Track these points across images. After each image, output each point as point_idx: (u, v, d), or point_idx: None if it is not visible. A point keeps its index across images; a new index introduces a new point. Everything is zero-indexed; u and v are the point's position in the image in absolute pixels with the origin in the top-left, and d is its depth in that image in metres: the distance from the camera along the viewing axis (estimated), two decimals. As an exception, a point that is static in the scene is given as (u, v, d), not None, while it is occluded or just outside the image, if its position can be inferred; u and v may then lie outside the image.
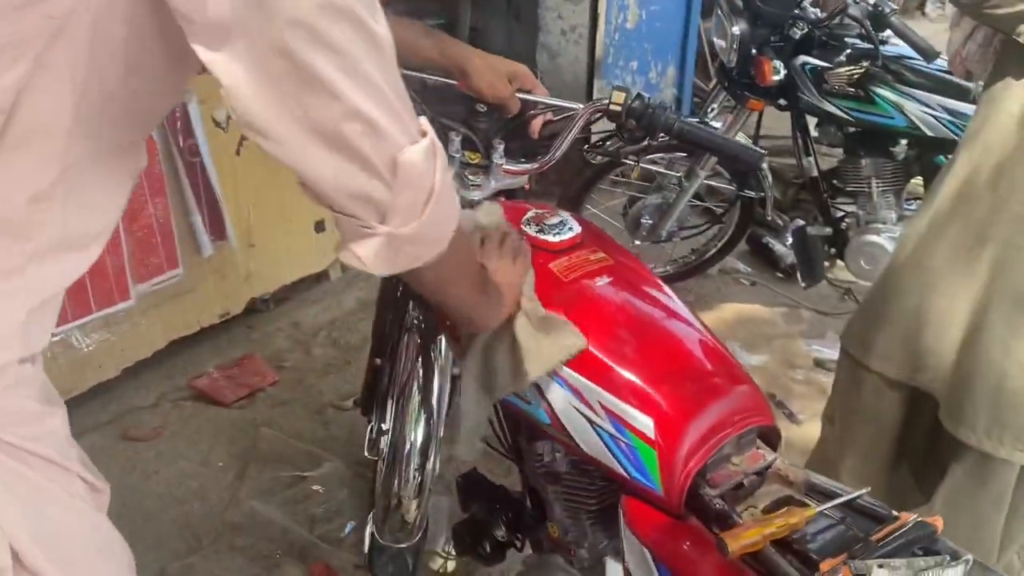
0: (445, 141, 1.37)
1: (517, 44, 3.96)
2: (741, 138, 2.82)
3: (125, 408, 2.45)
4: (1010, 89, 1.39)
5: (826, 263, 2.88)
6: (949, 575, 0.95)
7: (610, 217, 3.10)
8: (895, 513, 1.02)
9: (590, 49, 3.82)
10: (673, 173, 2.87)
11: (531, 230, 1.28)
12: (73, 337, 2.30)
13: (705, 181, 2.91)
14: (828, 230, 2.79)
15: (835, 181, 2.79)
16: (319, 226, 3.06)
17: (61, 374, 2.30)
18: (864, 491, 1.08)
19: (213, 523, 2.08)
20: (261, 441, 2.36)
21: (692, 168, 2.79)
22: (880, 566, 0.95)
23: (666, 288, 1.30)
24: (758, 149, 1.33)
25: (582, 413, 1.15)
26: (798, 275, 2.89)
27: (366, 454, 1.75)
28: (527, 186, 1.54)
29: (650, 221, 2.93)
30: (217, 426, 2.42)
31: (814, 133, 2.78)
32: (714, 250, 3.15)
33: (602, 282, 1.22)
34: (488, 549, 1.57)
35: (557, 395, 1.17)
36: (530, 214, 1.31)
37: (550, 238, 1.26)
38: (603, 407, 1.12)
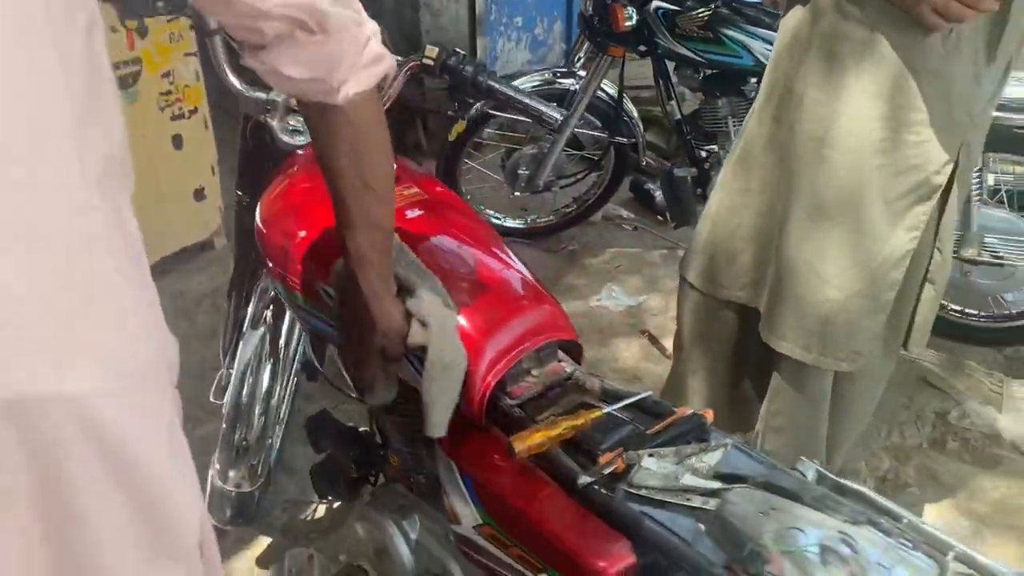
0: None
1: (402, 3, 3.96)
2: (608, 86, 2.90)
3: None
4: (794, 13, 1.49)
5: (696, 205, 2.99)
6: (711, 457, 1.04)
7: (490, 170, 3.15)
8: (674, 409, 1.11)
9: (471, 6, 3.85)
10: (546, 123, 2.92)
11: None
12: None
13: (579, 130, 2.99)
14: (694, 171, 2.90)
15: (699, 123, 2.89)
16: (199, 194, 3.05)
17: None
18: (647, 392, 1.17)
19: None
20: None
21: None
22: (650, 455, 1.04)
23: (481, 221, 1.36)
24: (559, 111, 1.38)
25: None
26: (668, 216, 2.99)
27: (211, 398, 1.78)
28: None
29: (527, 172, 3.00)
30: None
31: (674, 78, 2.87)
32: (594, 198, 3.24)
33: (412, 214, 1.28)
34: (343, 487, 1.63)
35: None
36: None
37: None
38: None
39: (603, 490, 1.01)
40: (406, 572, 1.36)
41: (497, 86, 1.36)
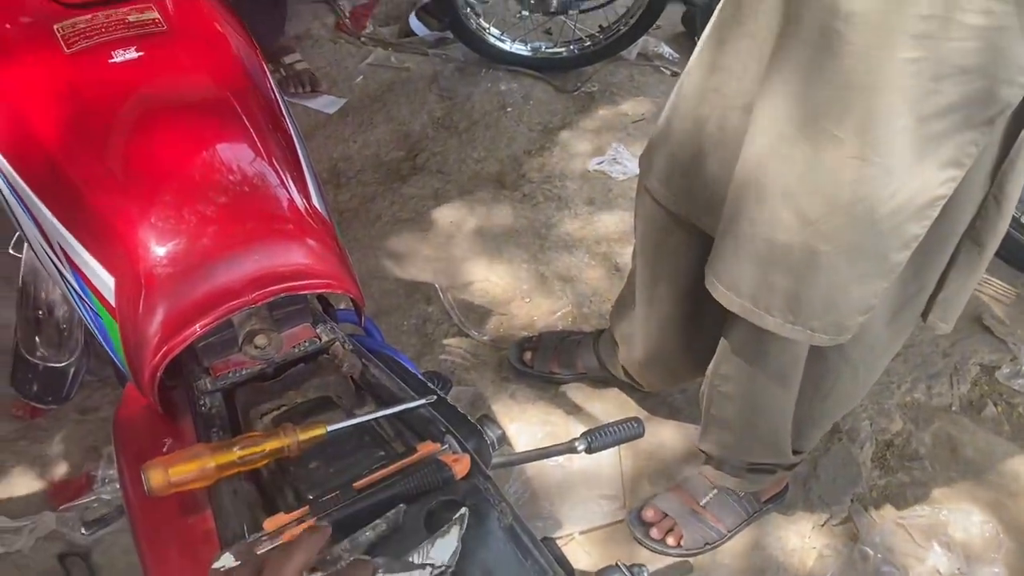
0: None
1: None
2: None
3: None
4: None
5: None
6: (439, 551, 0.62)
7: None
8: (418, 446, 0.68)
9: None
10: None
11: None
12: None
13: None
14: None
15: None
16: None
17: None
18: (424, 400, 0.73)
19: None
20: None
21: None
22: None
23: (267, 87, 0.89)
24: None
25: (51, 260, 0.79)
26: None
27: (10, 250, 1.43)
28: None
29: (536, -13, 2.39)
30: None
31: None
32: (625, 28, 2.61)
33: (122, 58, 0.81)
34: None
35: (27, 227, 0.80)
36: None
37: (62, -14, 0.84)
38: (66, 256, 0.76)
39: None
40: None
41: None
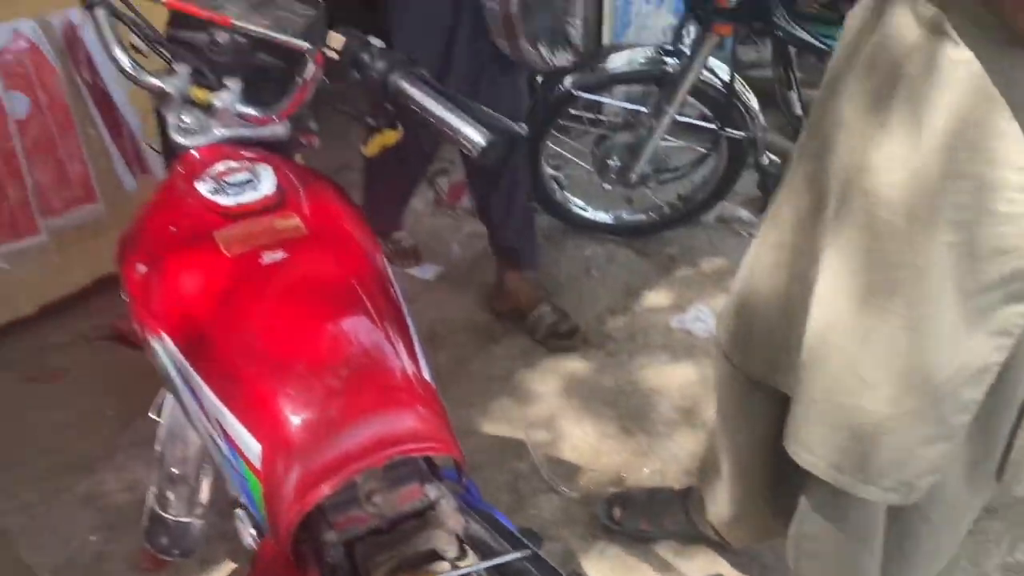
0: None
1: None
2: (722, 72, 2.44)
3: (37, 347, 2.40)
4: (863, 5, 1.05)
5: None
6: None
7: (578, 157, 2.78)
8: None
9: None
10: (644, 109, 2.52)
11: (204, 188, 1.04)
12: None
13: (683, 118, 2.55)
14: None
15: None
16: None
17: (-33, 310, 2.27)
18: (519, 554, 0.83)
19: (77, 475, 2.00)
20: (158, 390, 2.25)
21: (658, 104, 2.43)
22: None
23: (379, 273, 1.05)
24: (483, 134, 1.00)
25: (207, 429, 0.94)
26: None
27: (150, 414, 1.60)
28: (310, 139, 1.30)
29: (618, 163, 2.60)
30: (123, 372, 2.33)
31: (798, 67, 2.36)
32: (703, 196, 2.79)
33: (271, 259, 0.99)
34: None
35: (186, 402, 0.96)
36: (218, 167, 1.07)
37: (221, 200, 1.03)
38: (220, 427, 0.91)
39: None
40: None
41: (409, 88, 1.02)
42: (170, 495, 1.55)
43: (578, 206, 2.83)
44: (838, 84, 1.07)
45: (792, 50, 2.32)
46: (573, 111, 2.59)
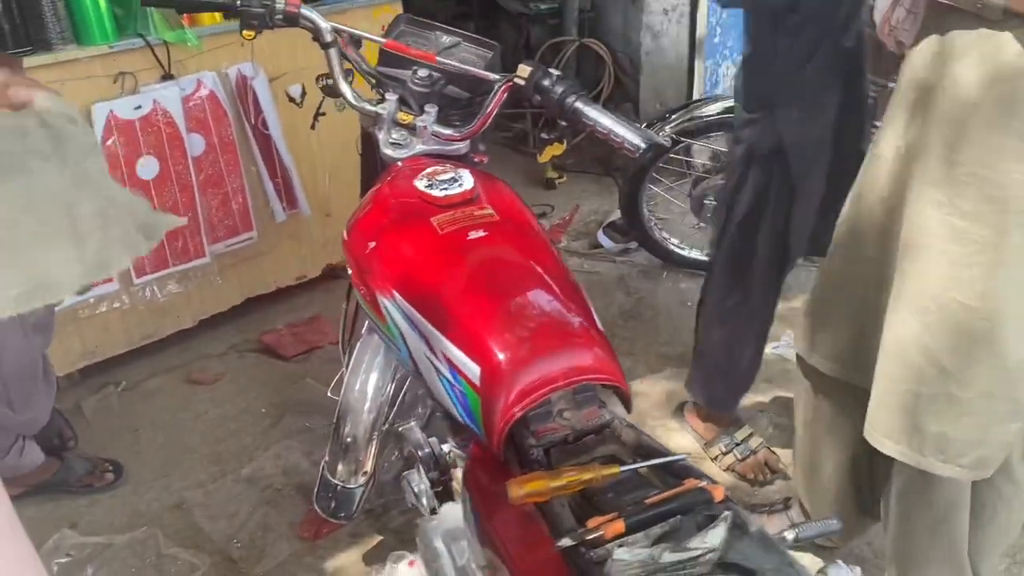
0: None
1: (633, 26, 3.94)
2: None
3: (196, 355, 2.73)
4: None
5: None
6: (712, 537, 0.92)
7: (676, 199, 3.03)
8: (695, 479, 1.00)
9: (691, 28, 3.74)
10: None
11: (421, 185, 1.33)
12: (150, 288, 2.59)
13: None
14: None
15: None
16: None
17: (142, 321, 2.61)
18: (680, 456, 1.06)
19: (240, 460, 2.28)
20: (304, 391, 2.54)
21: (753, 148, 2.68)
22: (620, 545, 0.93)
23: (553, 251, 1.31)
24: (643, 135, 1.28)
25: (431, 361, 1.20)
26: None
27: (328, 393, 1.86)
28: (481, 157, 1.59)
29: (715, 202, 2.84)
30: (272, 377, 2.64)
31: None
32: (791, 236, 3.00)
33: (474, 236, 1.26)
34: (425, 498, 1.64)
35: (413, 343, 1.23)
36: (428, 170, 1.36)
37: (436, 193, 1.31)
38: (444, 355, 1.17)
39: (588, 554, 0.93)
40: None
41: (583, 107, 1.30)
42: (340, 464, 1.81)
43: (675, 244, 3.07)
44: (923, 112, 1.29)
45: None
46: (672, 155, 2.85)
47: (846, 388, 1.55)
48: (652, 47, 3.86)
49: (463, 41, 1.54)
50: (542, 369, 1.11)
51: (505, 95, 1.41)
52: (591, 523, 0.95)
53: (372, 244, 1.31)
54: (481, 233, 1.27)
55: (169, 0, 1.36)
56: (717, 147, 2.80)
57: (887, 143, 1.38)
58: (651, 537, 0.94)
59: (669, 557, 0.91)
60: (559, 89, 1.31)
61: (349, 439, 1.77)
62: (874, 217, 1.41)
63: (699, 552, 0.91)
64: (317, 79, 1.55)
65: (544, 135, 1.29)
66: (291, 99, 2.79)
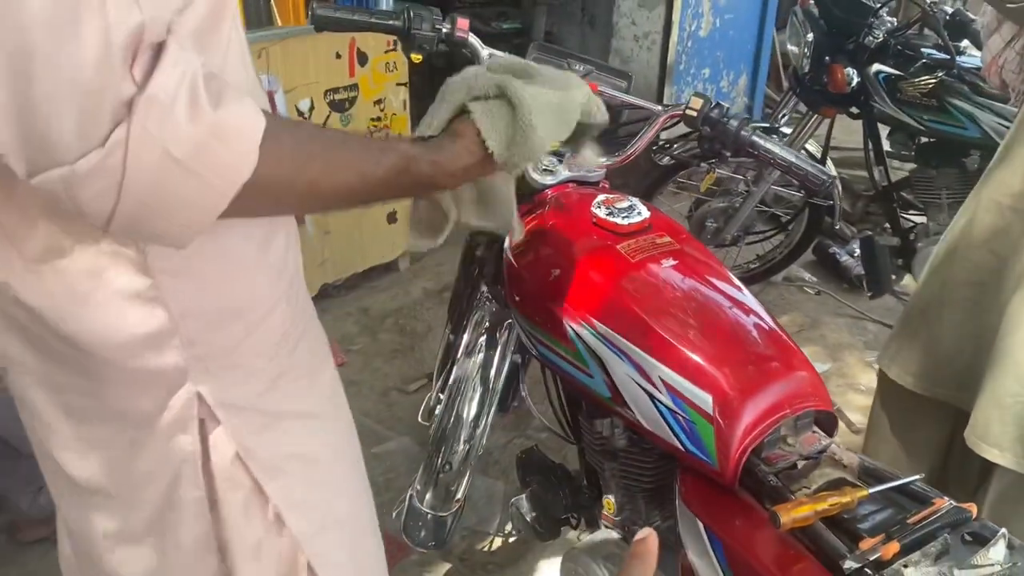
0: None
1: (591, 49, 4.02)
2: (811, 147, 2.83)
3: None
4: None
5: (893, 276, 2.86)
6: (995, 554, 0.97)
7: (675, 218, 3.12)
8: (934, 499, 1.05)
9: (662, 56, 3.86)
10: (740, 177, 2.88)
11: (601, 212, 1.33)
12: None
13: (773, 188, 2.92)
14: (896, 241, 2.77)
15: (905, 192, 2.77)
16: (391, 217, 3.16)
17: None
18: (916, 477, 1.10)
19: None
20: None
21: (760, 174, 2.80)
22: (905, 565, 0.96)
23: (732, 276, 1.34)
24: (829, 173, 1.34)
25: (642, 387, 1.19)
26: (864, 284, 2.87)
27: (419, 419, 1.81)
28: (605, 183, 1.59)
29: (715, 224, 2.95)
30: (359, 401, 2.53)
31: (886, 143, 2.77)
32: (779, 257, 3.15)
33: (667, 264, 1.27)
34: (544, 525, 1.62)
35: (618, 369, 1.22)
36: (600, 198, 1.36)
37: (619, 221, 1.31)
38: (663, 382, 1.17)
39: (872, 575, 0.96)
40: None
41: (760, 142, 1.33)
42: (430, 492, 1.76)
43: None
44: None
45: (883, 130, 2.72)
46: (679, 179, 2.94)
47: (934, 403, 1.65)
48: (621, 71, 3.95)
49: (595, 70, 1.55)
50: (772, 397, 1.14)
51: (660, 124, 1.42)
52: (863, 545, 0.98)
53: (556, 271, 1.30)
54: (672, 261, 1.28)
55: (342, 23, 1.30)
56: (722, 172, 2.91)
57: (999, 182, 1.49)
58: (930, 556, 0.98)
59: (960, 574, 0.95)
60: (734, 122, 1.34)
61: (445, 467, 1.73)
62: (979, 252, 1.51)
63: (987, 570, 0.95)
64: (325, 94, 1.52)
65: (703, 164, 1.32)
66: (300, 113, 2.70)
